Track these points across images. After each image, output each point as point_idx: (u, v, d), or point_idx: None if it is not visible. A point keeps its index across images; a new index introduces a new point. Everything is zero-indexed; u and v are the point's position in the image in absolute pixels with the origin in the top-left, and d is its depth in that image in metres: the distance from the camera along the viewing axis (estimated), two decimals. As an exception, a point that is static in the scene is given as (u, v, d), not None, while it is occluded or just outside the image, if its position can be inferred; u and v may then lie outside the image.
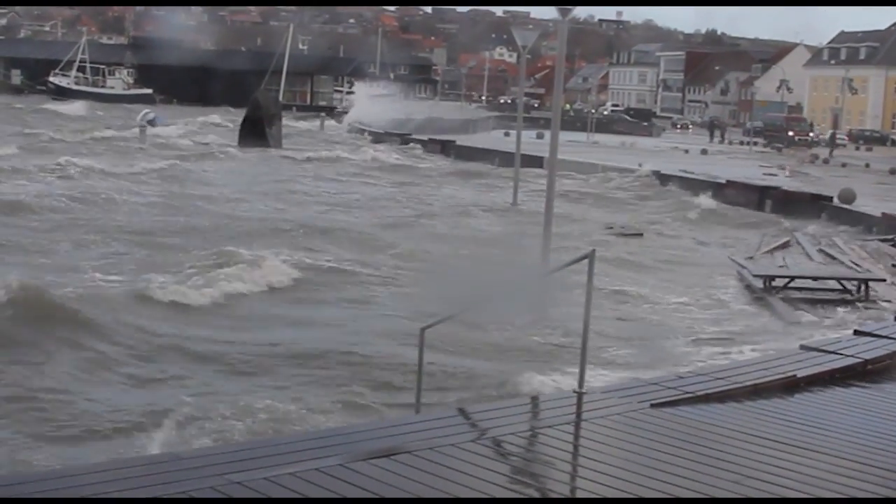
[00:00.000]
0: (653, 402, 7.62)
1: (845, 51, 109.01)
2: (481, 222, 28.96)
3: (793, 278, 19.86)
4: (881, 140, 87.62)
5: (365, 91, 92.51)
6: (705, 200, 34.58)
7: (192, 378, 12.66)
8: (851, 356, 9.31)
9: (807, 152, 64.84)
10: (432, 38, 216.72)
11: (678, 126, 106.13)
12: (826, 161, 58.53)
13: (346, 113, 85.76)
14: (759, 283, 19.65)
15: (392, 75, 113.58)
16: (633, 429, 7.01)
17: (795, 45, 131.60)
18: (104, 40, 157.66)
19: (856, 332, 10.78)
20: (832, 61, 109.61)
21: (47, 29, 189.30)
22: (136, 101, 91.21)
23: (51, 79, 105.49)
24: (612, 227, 28.66)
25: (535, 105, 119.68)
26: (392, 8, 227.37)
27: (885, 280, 20.32)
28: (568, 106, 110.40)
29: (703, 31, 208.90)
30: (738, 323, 17.26)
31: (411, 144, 59.05)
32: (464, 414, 7.65)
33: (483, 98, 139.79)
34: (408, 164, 48.42)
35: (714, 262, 23.91)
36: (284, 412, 11.00)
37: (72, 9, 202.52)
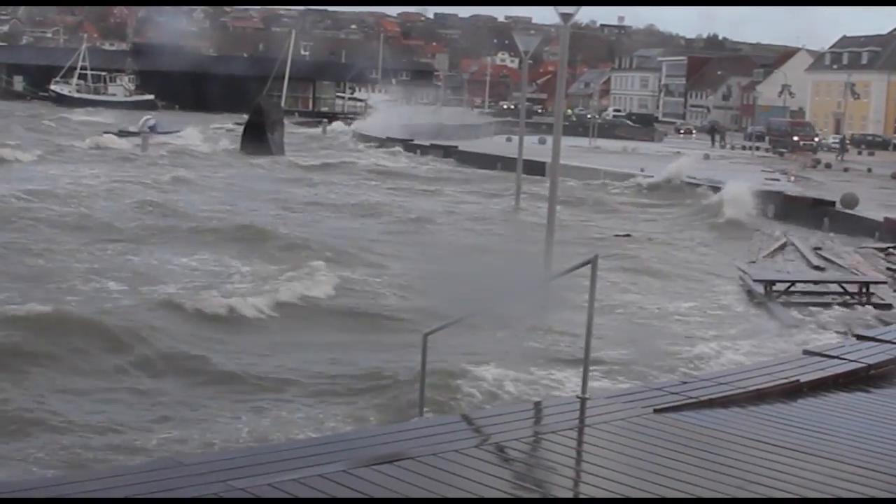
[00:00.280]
0: (656, 407, 7.60)
1: (847, 55, 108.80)
2: (483, 227, 28.95)
3: (794, 283, 19.85)
4: (883, 145, 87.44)
5: (378, 98, 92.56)
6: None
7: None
8: (854, 361, 9.28)
9: (809, 157, 64.83)
10: (434, 43, 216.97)
11: (681, 131, 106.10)
12: (828, 166, 58.58)
13: (354, 118, 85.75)
14: (759, 289, 19.62)
15: (394, 81, 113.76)
16: (637, 434, 7.00)
17: (797, 49, 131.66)
18: (106, 46, 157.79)
19: (858, 337, 10.77)
20: (834, 66, 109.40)
21: (49, 35, 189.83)
22: (138, 107, 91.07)
23: (52, 87, 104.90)
24: (616, 234, 28.67)
25: (538, 110, 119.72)
26: (394, 13, 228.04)
27: (886, 283, 20.31)
28: (570, 111, 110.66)
29: (705, 35, 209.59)
30: (739, 327, 17.23)
31: (417, 151, 58.91)
32: (467, 419, 7.65)
33: (485, 103, 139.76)
34: (410, 169, 48.42)
35: (716, 265, 23.90)
36: None
37: (74, 15, 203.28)
